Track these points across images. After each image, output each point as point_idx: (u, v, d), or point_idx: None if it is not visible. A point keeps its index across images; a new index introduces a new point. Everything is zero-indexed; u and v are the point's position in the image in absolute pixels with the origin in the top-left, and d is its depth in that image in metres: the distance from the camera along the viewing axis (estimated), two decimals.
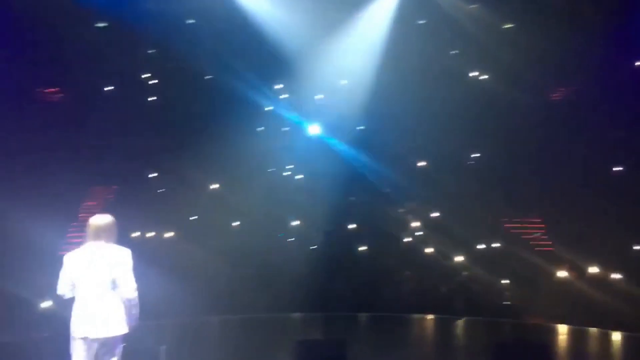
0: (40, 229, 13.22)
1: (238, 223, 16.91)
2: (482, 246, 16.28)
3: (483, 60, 18.43)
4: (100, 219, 5.66)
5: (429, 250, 16.66)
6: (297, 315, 13.93)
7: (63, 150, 16.37)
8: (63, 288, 5.52)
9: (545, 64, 17.22)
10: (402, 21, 16.71)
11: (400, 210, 17.40)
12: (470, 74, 18.82)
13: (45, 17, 16.06)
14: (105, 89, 18.49)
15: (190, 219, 16.97)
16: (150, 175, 17.79)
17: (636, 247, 15.05)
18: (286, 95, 18.61)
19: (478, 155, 18.44)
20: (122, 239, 5.77)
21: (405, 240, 16.99)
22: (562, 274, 14.99)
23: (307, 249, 15.45)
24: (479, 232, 16.30)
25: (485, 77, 18.70)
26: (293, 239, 16.57)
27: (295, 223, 16.96)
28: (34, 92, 18.27)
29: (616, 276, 14.31)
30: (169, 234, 16.54)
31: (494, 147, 17.95)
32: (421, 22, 17.59)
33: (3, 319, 11.48)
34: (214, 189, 17.36)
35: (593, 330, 12.80)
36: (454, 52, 19.04)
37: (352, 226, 17.12)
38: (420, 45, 17.19)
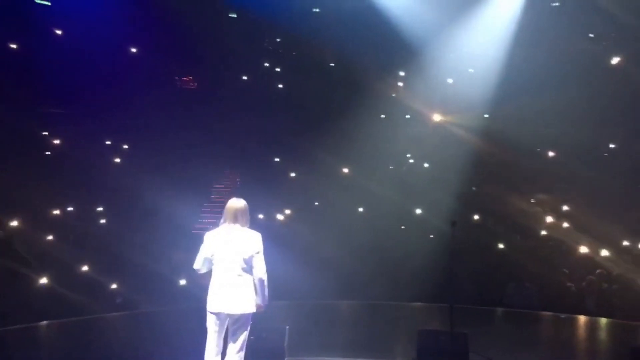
0: (177, 210, 14.23)
1: (359, 210, 17.11)
2: (617, 242, 15.21)
3: (625, 45, 17.13)
4: (237, 203, 5.95)
5: (558, 245, 15.88)
6: (417, 304, 13.87)
7: (199, 136, 17.49)
8: (199, 263, 5.87)
9: None
10: (534, 4, 15.93)
11: (530, 202, 16.70)
12: (611, 59, 17.57)
13: (181, 10, 17.16)
14: (235, 77, 19.46)
15: (316, 203, 17.42)
16: (276, 159, 18.47)
17: None
18: (410, 82, 18.47)
19: (618, 146, 17.25)
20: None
21: (534, 234, 16.33)
22: None
23: (429, 239, 15.27)
24: (618, 228, 15.22)
25: (628, 62, 17.39)
26: (415, 228, 16.47)
27: (419, 211, 16.85)
28: (171, 81, 19.64)
29: None
30: (294, 217, 17.06)
31: (634, 136, 16.71)
32: (555, 4, 16.70)
33: (146, 291, 12.50)
34: (340, 175, 17.64)
35: None
36: (591, 35, 17.92)
37: (476, 217, 16.71)
38: (554, 29, 16.32)
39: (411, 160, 18.38)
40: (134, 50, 17.72)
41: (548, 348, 10.57)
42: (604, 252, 15.09)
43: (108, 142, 17.21)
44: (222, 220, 5.97)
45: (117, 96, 16.69)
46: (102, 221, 15.47)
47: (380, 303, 13.64)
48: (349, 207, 17.00)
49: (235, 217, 5.90)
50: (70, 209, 15.31)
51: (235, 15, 18.83)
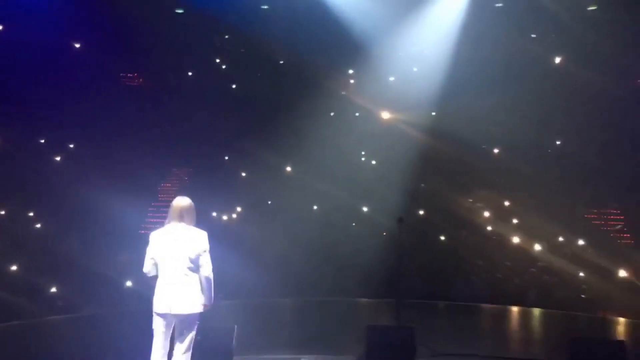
0: (123, 210, 13.92)
1: (309, 208, 17.14)
2: (559, 237, 15.77)
3: (566, 45, 17.76)
4: (183, 201, 5.88)
5: (501, 240, 16.33)
6: (366, 300, 14.01)
7: (144, 134, 17.15)
8: (148, 266, 5.77)
9: (633, 46, 16.43)
10: (478, 5, 16.30)
11: (474, 198, 17.10)
12: (553, 59, 18.19)
13: (124, 6, 16.78)
14: (182, 74, 19.17)
15: (266, 202, 17.35)
16: (226, 158, 18.27)
17: None
18: (360, 80, 18.61)
19: (559, 143, 17.86)
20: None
21: (478, 230, 16.73)
22: None
23: (378, 235, 15.44)
24: (557, 223, 15.78)
25: (568, 62, 18.04)
26: (364, 225, 16.63)
27: (367, 209, 17.01)
28: (115, 79, 19.17)
29: None
30: (242, 216, 16.94)
31: (575, 136, 17.34)
32: (499, 4, 17.13)
33: (91, 294, 12.17)
34: (287, 173, 17.61)
35: None
36: (533, 36, 18.49)
37: (422, 213, 16.98)
38: (497, 29, 16.75)
39: (362, 158, 18.53)
40: (77, 46, 17.22)
41: (492, 339, 10.85)
42: (545, 246, 15.62)
43: (47, 141, 16.65)
44: (167, 220, 5.88)
45: (59, 93, 16.17)
46: (38, 225, 14.98)
47: (329, 300, 13.71)
48: (298, 206, 17.02)
49: (181, 216, 5.82)
50: (6, 210, 14.75)
51: (182, 11, 18.50)
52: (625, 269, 14.27)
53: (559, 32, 17.66)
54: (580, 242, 15.49)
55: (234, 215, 17.07)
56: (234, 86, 19.38)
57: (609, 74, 16.62)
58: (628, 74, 17.50)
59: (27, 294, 11.62)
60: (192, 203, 5.94)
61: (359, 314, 12.76)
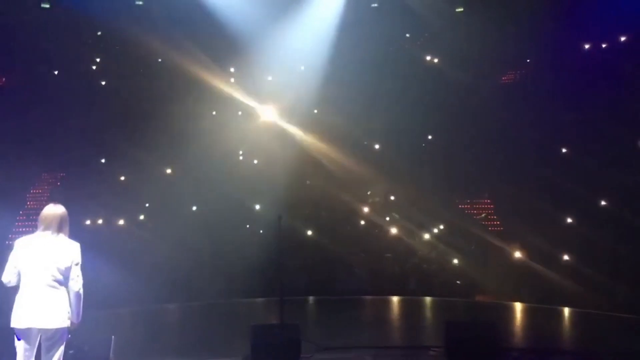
0: None
1: (193, 209, 16.76)
2: (434, 227, 16.57)
3: (437, 44, 18.70)
4: (54, 209, 5.45)
5: (383, 233, 16.88)
6: (251, 300, 13.96)
7: (9, 138, 15.92)
8: (8, 275, 5.28)
9: (498, 47, 17.61)
10: (355, 5, 16.73)
11: (356, 193, 17.52)
12: (425, 58, 19.10)
13: None
14: (50, 73, 18.01)
15: (145, 205, 16.74)
16: (101, 161, 17.43)
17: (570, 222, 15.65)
18: (240, 79, 18.46)
19: (431, 138, 18.76)
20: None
21: (360, 223, 17.19)
22: (512, 252, 15.37)
23: (260, 234, 15.43)
24: (432, 213, 16.58)
25: (440, 60, 19.02)
26: (247, 225, 16.55)
27: (250, 208, 16.91)
28: None
29: (563, 255, 14.75)
30: (120, 221, 16.25)
31: (447, 130, 18.29)
32: (374, 5, 17.68)
33: None
34: (166, 175, 17.12)
35: (543, 307, 13.18)
36: (407, 35, 19.31)
37: (304, 210, 17.16)
38: (374, 28, 17.29)
39: (241, 157, 18.37)
40: None
41: (375, 328, 11.18)
42: (423, 236, 16.37)
43: None
44: (38, 228, 5.46)
45: None
46: None
47: (214, 302, 13.50)
48: (180, 208, 16.58)
49: (52, 225, 5.41)
50: None
51: (48, 6, 17.32)
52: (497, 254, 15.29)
53: (431, 33, 18.56)
54: (455, 230, 16.35)
55: (112, 221, 16.29)
56: (106, 84, 18.46)
57: (476, 72, 17.69)
58: (493, 72, 18.71)
59: None
60: (66, 212, 5.53)
61: (244, 315, 12.66)
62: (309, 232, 16.27)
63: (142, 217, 16.50)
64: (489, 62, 18.12)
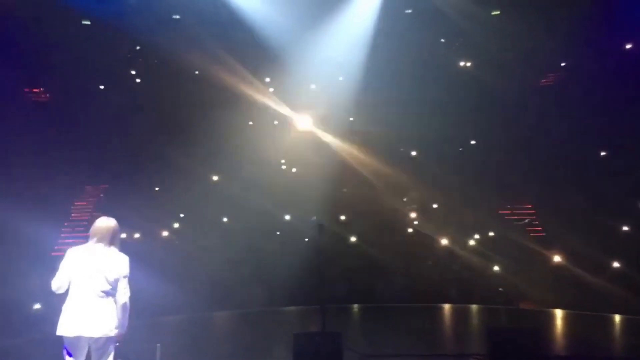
0: (33, 231, 13.19)
1: (230, 219, 16.92)
2: (476, 234, 16.36)
3: (472, 49, 18.53)
4: (107, 222, 5.64)
5: (422, 240, 16.74)
6: (292, 308, 14.00)
7: (54, 150, 16.36)
8: (58, 282, 5.40)
9: (533, 50, 17.36)
10: (389, 11, 16.71)
11: (394, 201, 17.44)
12: (460, 62, 18.94)
13: (30, 18, 16.02)
14: (93, 87, 18.46)
15: (181, 215, 16.98)
16: (142, 173, 17.73)
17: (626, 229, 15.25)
18: (276, 89, 18.61)
19: (470, 143, 18.56)
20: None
21: (399, 230, 17.09)
22: (555, 258, 15.07)
23: (301, 243, 15.47)
24: (473, 220, 16.37)
25: (475, 64, 18.83)
26: (287, 233, 16.60)
27: (289, 216, 17.00)
28: (22, 94, 18.23)
29: (611, 261, 14.38)
30: (162, 232, 16.50)
31: (486, 135, 18.08)
32: (408, 11, 17.63)
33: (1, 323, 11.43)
34: (207, 185, 17.32)
35: (588, 314, 12.88)
36: (442, 40, 19.18)
37: (343, 218, 17.16)
38: (408, 34, 17.24)
39: (283, 167, 18.50)
40: None
41: (416, 336, 11.08)
42: (463, 243, 16.16)
43: None
44: (89, 239, 5.59)
45: None
46: None
47: (255, 310, 13.59)
48: (220, 217, 16.78)
49: (104, 237, 5.55)
50: None
51: (88, 23, 17.80)
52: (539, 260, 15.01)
53: (465, 37, 18.40)
54: (496, 237, 16.12)
55: (153, 231, 16.56)
56: (146, 97, 18.82)
57: (513, 76, 17.45)
58: (530, 75, 18.44)
59: None
60: (117, 225, 5.68)
61: (285, 323, 12.71)
62: (349, 240, 16.25)
63: (182, 226, 16.70)
64: (525, 66, 17.86)
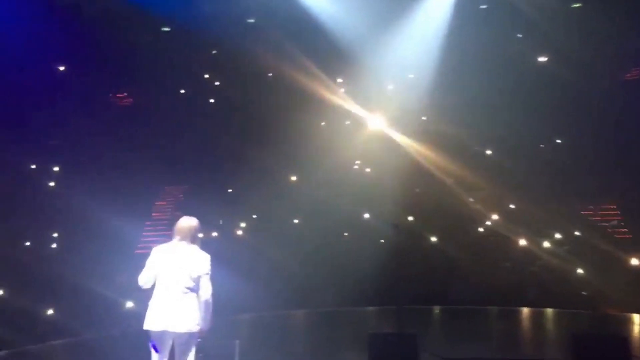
0: (120, 229, 13.84)
1: (304, 218, 17.10)
2: (557, 235, 15.78)
3: (551, 43, 17.86)
4: (189, 221, 5.85)
5: (499, 240, 16.33)
6: (365, 308, 13.99)
7: (136, 152, 17.10)
8: (145, 278, 5.67)
9: (616, 43, 16.56)
10: (463, 7, 16.39)
11: (469, 200, 17.11)
12: (538, 58, 18.29)
13: (112, 25, 16.81)
14: (173, 91, 19.16)
15: (254, 216, 17.32)
16: (219, 173, 18.23)
17: None
18: (348, 89, 18.64)
19: (550, 141, 17.92)
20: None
21: (475, 231, 16.74)
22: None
23: (376, 243, 15.44)
24: (553, 221, 15.79)
25: (555, 59, 18.14)
26: (361, 233, 16.60)
27: (364, 216, 17.00)
28: (107, 98, 19.17)
29: None
30: (238, 230, 16.88)
31: (567, 133, 17.42)
32: (483, 6, 17.23)
33: (90, 316, 12.03)
34: (283, 186, 17.57)
35: None
36: (519, 36, 18.58)
37: (417, 218, 16.96)
38: (483, 30, 16.84)
39: (356, 167, 18.52)
40: (61, 68, 17.21)
41: (494, 340, 10.82)
42: (543, 244, 15.63)
43: (39, 165, 16.57)
44: (173, 237, 5.83)
45: (49, 116, 16.13)
46: (31, 247, 14.84)
47: (329, 310, 13.67)
48: (294, 216, 16.98)
49: (187, 236, 5.78)
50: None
51: (168, 29, 18.52)
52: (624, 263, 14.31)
53: (543, 32, 17.76)
54: (578, 238, 15.50)
55: (230, 229, 17.00)
56: (222, 99, 19.34)
57: (595, 70, 16.72)
58: (614, 70, 17.61)
59: (23, 320, 11.44)
60: (199, 224, 5.90)
61: (358, 323, 12.71)
62: (423, 240, 16.07)
63: (257, 226, 17.02)
64: (608, 60, 17.05)
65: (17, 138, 15.53)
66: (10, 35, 14.69)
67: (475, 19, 16.82)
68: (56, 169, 17.06)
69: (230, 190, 17.81)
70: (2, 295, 12.48)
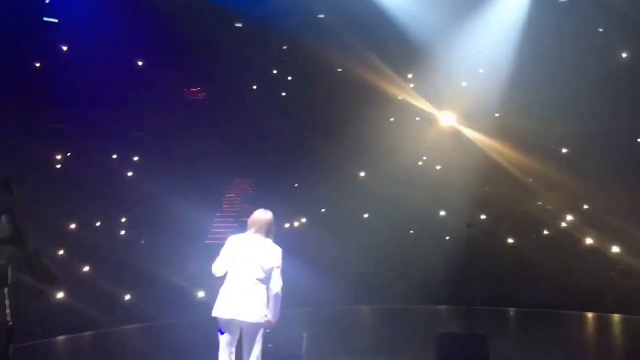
0: (191, 220, 14.25)
1: (373, 215, 17.03)
2: (637, 238, 15.00)
3: (633, 39, 16.99)
4: (264, 215, 5.93)
5: (574, 243, 15.72)
6: (433, 307, 13.80)
7: (208, 146, 17.54)
8: (218, 266, 5.77)
9: None
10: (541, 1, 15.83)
11: (542, 200, 16.55)
12: (621, 53, 17.42)
13: (188, 23, 17.27)
14: (245, 86, 19.51)
15: (322, 210, 17.40)
16: (287, 166, 18.44)
17: None
18: (419, 85, 18.41)
19: (633, 140, 17.05)
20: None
21: (550, 231, 16.18)
22: None
23: (444, 241, 15.18)
24: (634, 222, 15.02)
25: (636, 56, 17.24)
26: (430, 230, 16.39)
27: (437, 214, 16.77)
28: (182, 93, 19.74)
29: None
30: (309, 224, 17.03)
31: None
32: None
33: (164, 302, 12.46)
34: (353, 179, 17.57)
35: None
36: (600, 30, 17.76)
37: (488, 217, 16.57)
38: (562, 24, 16.21)
39: (420, 163, 18.27)
40: (140, 63, 17.82)
41: (568, 345, 10.42)
42: (621, 248, 14.91)
43: (117, 156, 17.26)
44: (247, 229, 5.92)
45: (126, 110, 16.76)
46: (111, 234, 15.47)
47: (397, 307, 13.58)
48: (362, 212, 16.95)
49: (262, 229, 5.87)
50: (80, 223, 15.29)
51: (240, 25, 18.86)
52: None
53: (627, 25, 16.88)
54: None
55: (299, 223, 17.19)
56: (292, 95, 19.53)
57: None
58: None
59: (104, 304, 12.00)
60: (273, 217, 5.98)
61: (426, 322, 12.55)
62: (495, 240, 15.69)
63: (326, 220, 17.08)
64: None
65: (94, 132, 16.22)
66: (92, 31, 15.37)
67: (555, 12, 16.21)
68: (136, 158, 17.71)
69: (299, 184, 17.97)
70: (89, 274, 13.09)
